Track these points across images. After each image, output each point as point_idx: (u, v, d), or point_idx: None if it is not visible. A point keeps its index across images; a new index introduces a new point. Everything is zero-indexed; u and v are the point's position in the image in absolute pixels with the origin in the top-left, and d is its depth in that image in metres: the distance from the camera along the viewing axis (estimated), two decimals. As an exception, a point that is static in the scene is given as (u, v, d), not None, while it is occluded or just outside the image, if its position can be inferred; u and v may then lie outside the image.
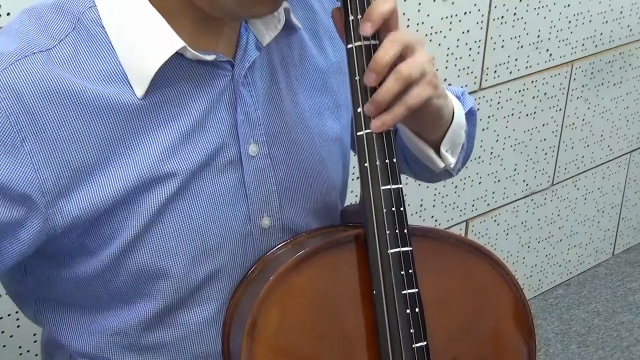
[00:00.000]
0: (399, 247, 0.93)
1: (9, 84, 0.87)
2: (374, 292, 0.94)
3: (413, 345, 0.94)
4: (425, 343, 0.95)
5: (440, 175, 1.15)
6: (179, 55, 0.92)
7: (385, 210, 0.93)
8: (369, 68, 0.91)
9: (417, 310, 0.94)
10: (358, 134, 0.93)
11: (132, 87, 0.91)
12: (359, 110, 0.93)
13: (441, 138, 1.06)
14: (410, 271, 0.94)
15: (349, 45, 0.93)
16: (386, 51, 0.90)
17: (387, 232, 0.93)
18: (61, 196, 0.90)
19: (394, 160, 0.94)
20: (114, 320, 1.00)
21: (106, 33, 0.91)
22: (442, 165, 1.08)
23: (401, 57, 0.91)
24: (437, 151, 1.07)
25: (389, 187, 0.93)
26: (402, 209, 0.94)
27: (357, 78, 0.93)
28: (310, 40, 1.06)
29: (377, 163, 0.93)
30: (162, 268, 0.96)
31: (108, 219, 0.92)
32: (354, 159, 1.08)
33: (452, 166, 1.09)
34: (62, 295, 1.00)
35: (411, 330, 0.94)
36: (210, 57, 0.94)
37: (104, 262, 0.95)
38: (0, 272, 0.93)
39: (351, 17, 0.92)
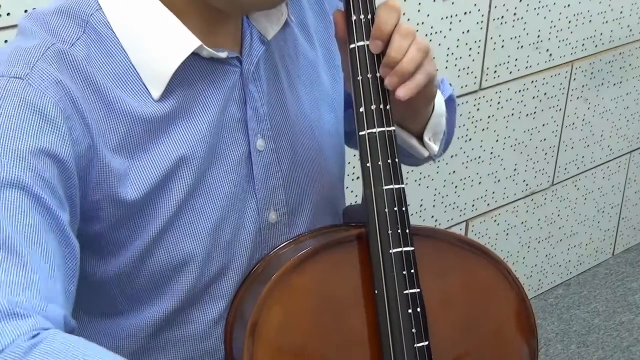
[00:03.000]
0: (400, 247, 0.93)
1: (48, 72, 0.85)
2: (376, 291, 0.94)
3: (415, 345, 0.94)
4: (426, 343, 0.95)
5: (423, 160, 1.17)
6: (192, 54, 0.92)
7: (387, 210, 0.93)
8: (372, 36, 0.92)
9: (418, 309, 0.94)
10: (360, 133, 0.93)
11: (147, 89, 0.91)
12: (361, 109, 0.93)
13: (423, 127, 1.07)
14: (412, 271, 0.94)
15: (352, 45, 0.93)
16: (387, 19, 0.92)
17: (389, 231, 0.93)
18: (90, 188, 0.89)
19: (396, 160, 0.94)
20: (126, 324, 0.99)
21: (115, 35, 0.91)
22: (426, 154, 1.10)
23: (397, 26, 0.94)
24: (420, 140, 1.09)
25: (391, 186, 0.94)
26: (404, 208, 0.94)
27: (359, 78, 0.93)
28: (300, 34, 1.07)
29: (379, 163, 0.93)
30: (179, 266, 0.97)
31: (129, 219, 0.93)
32: (351, 157, 1.08)
33: (435, 153, 1.11)
34: (75, 303, 1.00)
35: (413, 330, 0.94)
36: (223, 54, 0.94)
37: (123, 264, 0.95)
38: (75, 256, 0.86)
39: (354, 17, 0.93)
